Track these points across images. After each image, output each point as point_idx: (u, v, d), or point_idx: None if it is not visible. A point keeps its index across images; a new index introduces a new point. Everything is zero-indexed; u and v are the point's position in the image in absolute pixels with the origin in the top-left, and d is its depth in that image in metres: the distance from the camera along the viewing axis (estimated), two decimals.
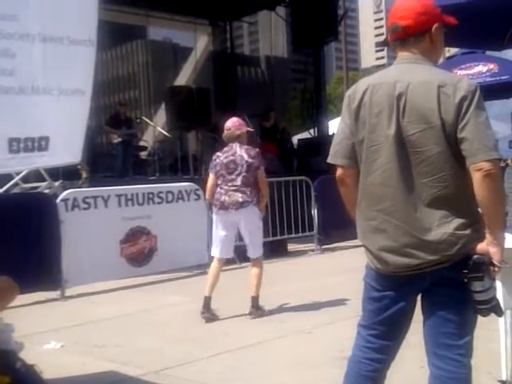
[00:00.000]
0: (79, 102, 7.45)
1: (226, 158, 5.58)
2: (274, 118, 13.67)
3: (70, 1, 7.26)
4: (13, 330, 2.08)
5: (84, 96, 7.46)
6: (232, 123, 5.70)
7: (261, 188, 5.60)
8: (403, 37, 2.39)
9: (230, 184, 5.52)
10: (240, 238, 5.86)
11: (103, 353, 4.69)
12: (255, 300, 5.55)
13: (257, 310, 5.53)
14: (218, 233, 5.64)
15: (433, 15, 2.39)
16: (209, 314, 5.46)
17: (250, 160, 5.53)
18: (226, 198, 5.50)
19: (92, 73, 7.54)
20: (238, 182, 5.49)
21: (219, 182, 5.59)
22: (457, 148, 2.23)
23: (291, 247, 9.74)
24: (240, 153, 5.55)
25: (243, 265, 7.16)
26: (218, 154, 5.69)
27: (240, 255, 6.81)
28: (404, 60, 2.41)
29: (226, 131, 5.70)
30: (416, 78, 2.31)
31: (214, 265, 5.64)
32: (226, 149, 5.67)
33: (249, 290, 5.61)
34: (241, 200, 5.46)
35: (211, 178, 5.69)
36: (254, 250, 5.64)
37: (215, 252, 5.68)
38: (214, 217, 5.68)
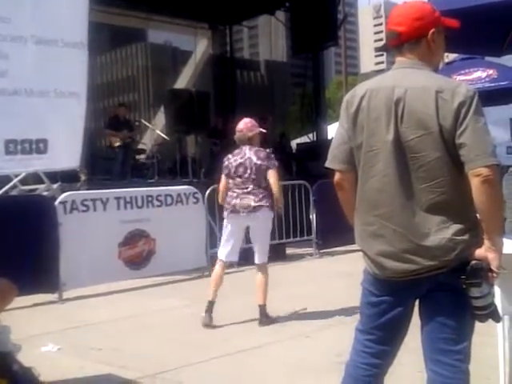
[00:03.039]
0: (76, 104, 7.49)
1: (235, 160, 5.52)
2: (269, 123, 13.70)
3: (63, 4, 7.31)
4: (10, 332, 2.08)
5: (80, 99, 7.50)
6: (244, 124, 5.61)
7: (273, 189, 5.48)
8: (399, 43, 2.40)
9: (241, 187, 5.45)
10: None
11: (100, 356, 4.69)
12: (263, 308, 5.45)
13: (266, 318, 5.43)
14: (228, 236, 5.55)
15: (429, 20, 2.38)
16: (208, 318, 5.40)
17: (259, 162, 5.44)
18: (238, 202, 5.43)
19: (86, 75, 7.57)
20: (249, 184, 5.42)
21: (230, 186, 5.53)
22: (455, 153, 2.23)
23: (289, 251, 9.73)
24: (249, 155, 5.47)
25: (241, 268, 7.14)
26: (229, 156, 5.62)
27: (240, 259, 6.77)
28: (402, 65, 2.41)
29: (237, 133, 5.62)
30: (414, 83, 2.31)
31: (218, 268, 5.58)
32: (236, 151, 5.60)
33: (249, 294, 5.58)
34: (253, 204, 5.38)
35: (223, 181, 5.63)
36: (262, 255, 5.54)
37: (222, 254, 5.60)
38: (225, 220, 5.58)
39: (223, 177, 5.64)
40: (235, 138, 5.69)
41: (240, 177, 5.46)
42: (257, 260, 5.57)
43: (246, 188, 5.43)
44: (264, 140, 13.29)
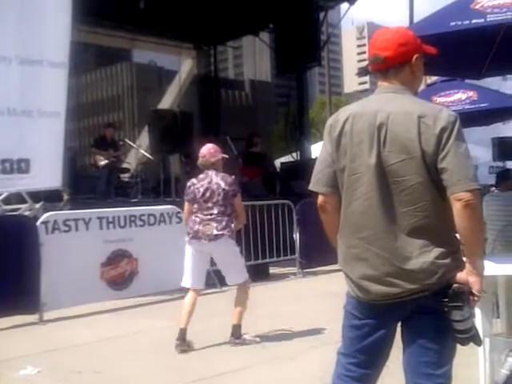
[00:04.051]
0: (57, 124, 7.48)
1: (202, 185, 5.45)
2: (260, 141, 13.77)
3: (46, 25, 7.33)
4: None
5: (60, 118, 7.49)
6: (207, 150, 5.56)
7: (238, 214, 5.50)
8: (384, 68, 2.42)
9: (205, 213, 5.38)
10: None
11: (81, 379, 4.63)
12: (236, 328, 5.39)
13: (236, 338, 5.37)
14: (190, 262, 5.48)
15: (413, 46, 2.42)
16: (184, 345, 5.29)
17: (227, 188, 5.41)
18: (200, 228, 5.35)
19: (65, 95, 7.58)
20: (215, 210, 5.36)
21: (194, 210, 5.46)
22: (437, 178, 2.25)
23: (273, 271, 9.71)
24: (216, 180, 5.43)
25: (224, 289, 7.11)
26: (194, 181, 5.55)
27: (220, 279, 6.74)
28: (384, 90, 2.44)
29: (200, 158, 5.57)
30: (396, 108, 2.33)
31: (189, 296, 5.48)
32: (201, 176, 5.53)
33: (229, 315, 5.53)
34: (215, 232, 5.32)
35: (187, 206, 5.56)
36: (236, 275, 5.49)
37: (187, 282, 5.53)
38: (187, 246, 5.49)
39: (186, 203, 5.56)
40: (198, 164, 5.65)
41: (206, 202, 5.39)
42: (233, 281, 5.54)
43: (210, 214, 5.36)
44: (256, 159, 13.42)
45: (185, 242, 5.49)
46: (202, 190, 5.43)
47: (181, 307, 5.51)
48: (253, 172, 13.60)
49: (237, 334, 5.38)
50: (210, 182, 5.44)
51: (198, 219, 5.40)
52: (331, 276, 8.62)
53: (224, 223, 5.37)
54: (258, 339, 5.46)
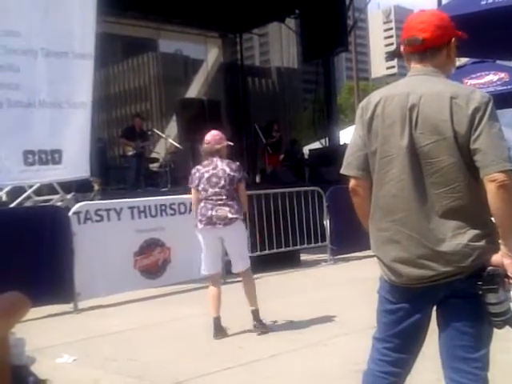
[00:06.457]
0: (84, 114, 7.56)
1: (207, 171, 5.47)
2: (279, 129, 13.77)
3: (71, 16, 7.39)
4: (25, 344, 2.08)
5: (87, 109, 7.57)
6: (212, 137, 5.59)
7: (242, 201, 5.52)
8: (421, 49, 2.38)
9: (215, 198, 5.40)
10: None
11: (116, 366, 4.68)
12: (256, 313, 5.44)
13: (259, 322, 5.42)
14: (206, 249, 5.51)
15: (450, 29, 2.40)
16: (221, 332, 5.36)
17: (232, 173, 5.44)
18: (213, 213, 5.37)
19: (91, 85, 7.66)
20: (224, 196, 5.39)
21: (202, 197, 5.47)
22: (470, 159, 2.22)
23: (304, 258, 9.70)
24: (222, 166, 5.45)
25: (227, 280, 7.05)
26: (198, 167, 5.57)
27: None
28: (416, 72, 2.41)
29: (205, 145, 5.59)
30: (428, 89, 2.31)
31: (211, 284, 5.52)
32: (205, 162, 5.55)
33: (261, 301, 5.54)
34: (230, 216, 5.35)
35: (194, 193, 5.57)
36: (243, 262, 5.53)
37: (206, 269, 5.55)
38: (199, 234, 5.50)
39: (192, 190, 5.58)
40: (202, 150, 5.67)
41: (213, 187, 5.41)
42: (239, 267, 5.54)
43: (221, 199, 5.39)
44: (277, 147, 13.50)
45: (197, 230, 5.48)
46: (206, 175, 5.45)
47: (208, 297, 5.55)
48: (275, 160, 13.63)
49: (258, 318, 5.43)
50: (214, 168, 5.47)
51: (209, 205, 5.41)
52: (363, 262, 8.58)
53: (236, 207, 5.42)
54: (289, 325, 5.47)
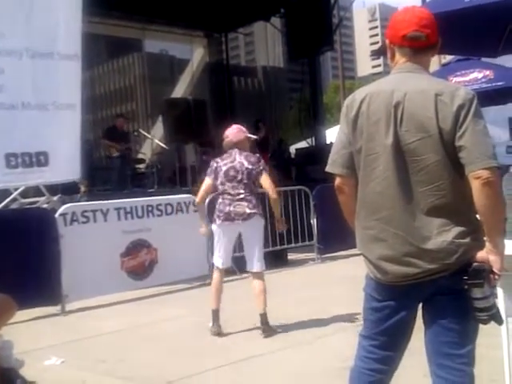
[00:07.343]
0: (72, 116, 7.49)
1: (225, 164, 5.42)
2: (265, 128, 13.73)
3: (56, 17, 7.33)
4: (12, 347, 2.07)
5: (75, 110, 7.51)
6: (231, 131, 5.59)
7: (269, 193, 5.43)
8: (425, 45, 2.38)
9: (233, 193, 5.34)
10: (239, 249, 5.74)
11: (104, 368, 4.67)
12: (265, 317, 5.35)
13: (268, 327, 5.34)
14: (222, 243, 5.46)
15: (437, 27, 2.40)
16: (218, 327, 5.36)
17: (251, 166, 5.37)
18: (232, 209, 5.32)
19: (80, 86, 7.59)
20: (242, 190, 5.33)
21: (220, 192, 5.43)
22: (455, 156, 2.23)
23: (291, 257, 9.71)
24: (240, 159, 5.39)
25: (244, 275, 7.10)
26: (217, 159, 5.53)
27: (240, 266, 6.74)
28: (401, 69, 2.41)
29: (225, 139, 5.58)
30: (413, 86, 2.31)
31: (216, 276, 5.51)
32: (225, 155, 5.51)
33: (247, 301, 5.55)
34: (248, 211, 5.30)
35: (207, 182, 5.51)
36: (259, 262, 5.44)
37: (218, 262, 5.51)
38: (218, 228, 5.46)
39: (207, 179, 5.52)
40: (223, 145, 5.64)
41: (230, 181, 5.36)
42: (255, 268, 5.43)
43: (238, 194, 5.33)
44: (263, 146, 13.51)
45: (215, 225, 5.44)
46: (224, 168, 5.40)
47: (210, 290, 5.54)
48: (263, 159, 13.61)
49: (266, 321, 5.34)
50: (232, 161, 5.41)
51: (227, 201, 5.36)
52: (350, 261, 8.60)
53: (254, 202, 5.36)
54: (279, 329, 5.44)
